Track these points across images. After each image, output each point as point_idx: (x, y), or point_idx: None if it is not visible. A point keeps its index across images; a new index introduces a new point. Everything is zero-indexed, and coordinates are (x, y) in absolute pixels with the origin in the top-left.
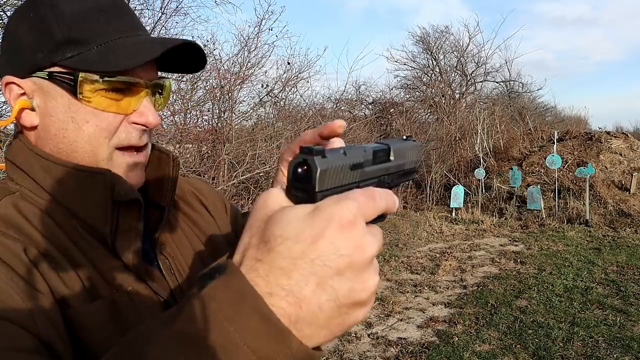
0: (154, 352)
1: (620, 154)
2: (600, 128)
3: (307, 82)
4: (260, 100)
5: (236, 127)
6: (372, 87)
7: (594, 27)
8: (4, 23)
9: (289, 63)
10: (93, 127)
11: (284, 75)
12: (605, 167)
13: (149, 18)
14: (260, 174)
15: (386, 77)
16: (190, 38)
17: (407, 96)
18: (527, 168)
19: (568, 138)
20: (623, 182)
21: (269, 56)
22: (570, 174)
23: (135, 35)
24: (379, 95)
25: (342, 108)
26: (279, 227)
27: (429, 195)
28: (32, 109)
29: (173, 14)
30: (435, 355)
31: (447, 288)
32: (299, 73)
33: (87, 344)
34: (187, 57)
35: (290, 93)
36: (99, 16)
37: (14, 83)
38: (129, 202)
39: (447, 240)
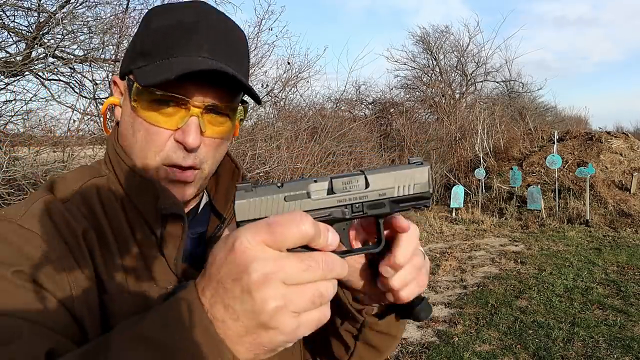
0: (115, 345)
1: (621, 154)
2: (600, 128)
3: (307, 82)
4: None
5: None
6: (372, 87)
7: (594, 27)
8: (3, 23)
9: (289, 63)
10: (142, 138)
11: (284, 75)
12: (606, 167)
13: None
14: (260, 174)
15: (386, 77)
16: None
17: (407, 96)
18: (527, 168)
19: (568, 138)
20: (623, 182)
21: (269, 56)
22: (571, 174)
23: (195, 55)
24: (379, 95)
25: (342, 108)
26: (211, 254)
27: None
28: (120, 106)
29: None
30: (435, 355)
31: (447, 288)
32: (299, 73)
33: None
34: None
35: (290, 93)
36: (176, 33)
37: (115, 82)
38: (172, 214)
39: (447, 240)
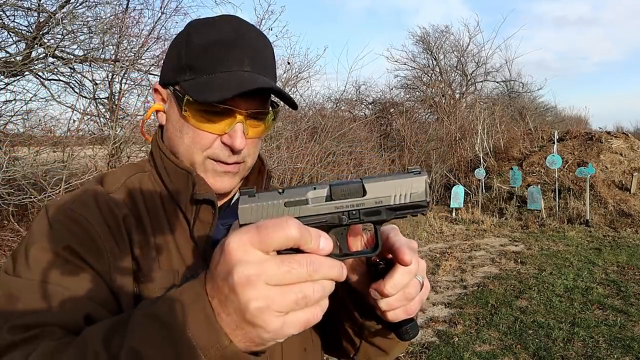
0: (133, 321)
1: (621, 154)
2: (600, 128)
3: (307, 82)
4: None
5: None
6: (372, 87)
7: (594, 27)
8: (3, 23)
9: (288, 63)
10: (190, 140)
11: (284, 75)
12: (606, 167)
13: (149, 18)
14: None
15: (386, 77)
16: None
17: (407, 96)
18: (528, 168)
19: (568, 138)
20: (623, 182)
21: None
22: (571, 174)
23: (239, 70)
24: (379, 95)
25: (342, 108)
26: (214, 251)
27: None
28: (164, 112)
29: (173, 13)
30: (435, 355)
31: (447, 288)
32: (299, 73)
33: None
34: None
35: (290, 93)
36: (218, 49)
37: (158, 90)
38: (205, 201)
39: (447, 240)
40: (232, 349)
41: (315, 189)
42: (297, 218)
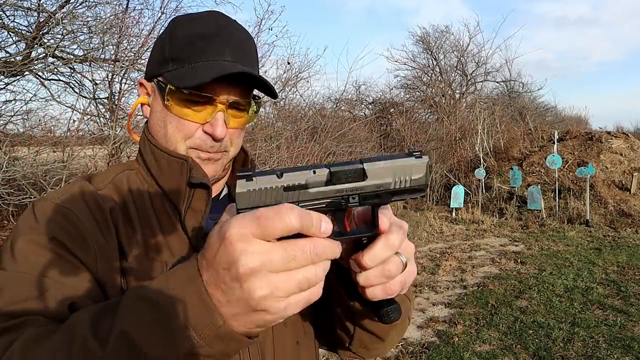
0: (122, 304)
1: (621, 154)
2: (600, 128)
3: (307, 82)
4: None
5: None
6: (372, 87)
7: (594, 27)
8: (3, 23)
9: (289, 63)
10: (173, 128)
11: (284, 75)
12: (606, 167)
13: (149, 18)
14: None
15: (386, 77)
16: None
17: (407, 96)
18: (528, 168)
19: (568, 138)
20: (623, 182)
21: (269, 56)
22: (571, 174)
23: (220, 60)
24: (379, 95)
25: (342, 108)
26: (208, 236)
27: (429, 195)
28: (149, 105)
29: (173, 13)
30: (435, 355)
31: (447, 288)
32: (299, 73)
33: None
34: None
35: (290, 93)
36: (200, 41)
37: (142, 84)
38: (199, 186)
39: (447, 240)
40: (226, 328)
41: (314, 172)
42: (296, 202)
